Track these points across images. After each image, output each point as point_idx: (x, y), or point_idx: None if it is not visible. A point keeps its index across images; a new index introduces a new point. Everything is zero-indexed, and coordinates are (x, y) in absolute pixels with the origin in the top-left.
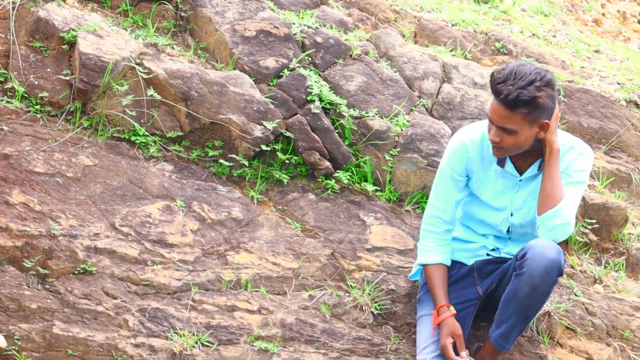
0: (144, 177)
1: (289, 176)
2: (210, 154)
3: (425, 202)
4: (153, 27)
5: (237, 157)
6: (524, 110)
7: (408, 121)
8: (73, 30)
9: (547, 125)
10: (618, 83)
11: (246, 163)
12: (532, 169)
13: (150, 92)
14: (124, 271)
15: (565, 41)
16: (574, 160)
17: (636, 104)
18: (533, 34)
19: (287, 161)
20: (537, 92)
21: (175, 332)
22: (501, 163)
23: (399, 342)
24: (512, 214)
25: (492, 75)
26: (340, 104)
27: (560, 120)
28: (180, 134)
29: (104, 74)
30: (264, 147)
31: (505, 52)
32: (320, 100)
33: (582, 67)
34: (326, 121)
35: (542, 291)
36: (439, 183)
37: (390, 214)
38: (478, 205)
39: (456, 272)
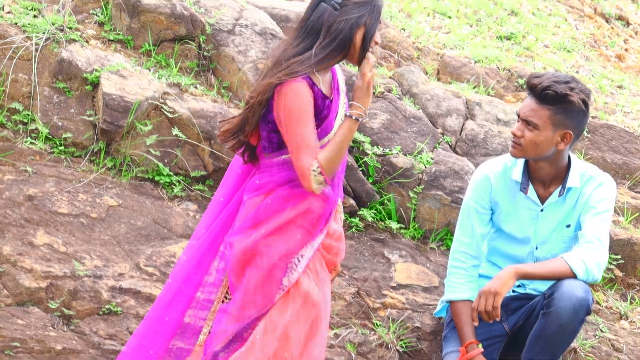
0: (168, 216)
1: None
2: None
3: (450, 239)
4: (176, 67)
5: None
6: (551, 107)
7: (432, 158)
8: (96, 70)
9: (570, 137)
10: None
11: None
12: (554, 196)
13: (174, 131)
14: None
15: (589, 77)
16: (595, 191)
17: None
18: (556, 70)
19: None
20: (569, 92)
21: None
22: (524, 189)
23: None
24: (536, 248)
25: (528, 75)
26: (364, 142)
27: (584, 155)
28: (204, 173)
29: (127, 114)
30: None
31: None
32: None
33: (606, 103)
34: (350, 159)
35: (570, 330)
36: (463, 218)
37: (414, 251)
38: (503, 240)
39: None
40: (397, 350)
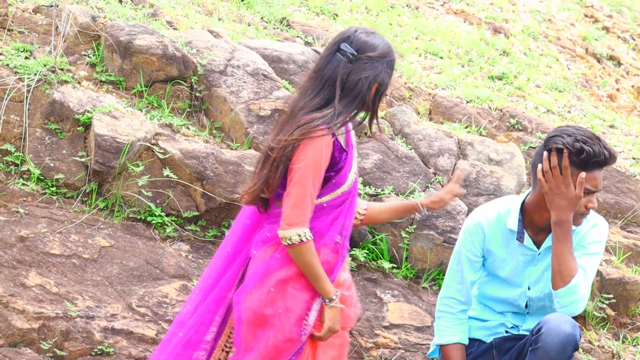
0: (161, 257)
1: None
2: (226, 234)
3: (442, 279)
4: (168, 108)
5: None
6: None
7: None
8: (88, 112)
9: None
10: (633, 158)
11: None
12: (548, 240)
13: (166, 172)
14: (142, 352)
15: (580, 116)
16: (589, 232)
17: None
18: (548, 110)
19: None
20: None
21: None
22: (520, 238)
23: None
24: (529, 288)
25: (589, 152)
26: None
27: None
28: (196, 213)
29: (119, 155)
30: None
31: (520, 128)
32: None
33: None
34: None
35: None
36: (453, 264)
37: (407, 290)
38: (495, 284)
39: (475, 350)
40: None
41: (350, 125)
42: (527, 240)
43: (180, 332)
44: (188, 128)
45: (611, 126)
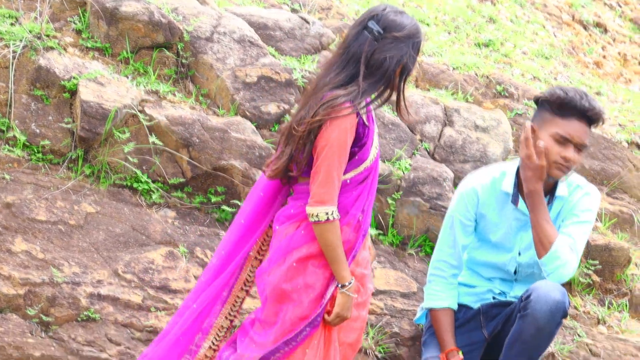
0: (147, 223)
1: None
2: (212, 200)
3: (428, 245)
4: (154, 74)
5: (239, 203)
6: (597, 124)
7: (410, 165)
8: (74, 78)
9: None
10: (620, 125)
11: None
12: None
13: (152, 139)
14: (128, 317)
15: (567, 83)
16: (580, 200)
17: (638, 146)
18: (534, 77)
19: None
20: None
21: None
22: (515, 201)
23: None
24: (519, 253)
25: (561, 96)
26: None
27: None
28: (182, 180)
29: (105, 122)
30: None
31: (507, 95)
32: None
33: None
34: None
35: (546, 333)
36: (446, 229)
37: (393, 257)
38: (486, 249)
39: (462, 316)
40: (376, 356)
41: (372, 104)
42: (522, 204)
43: (194, 303)
44: (174, 95)
45: (597, 93)
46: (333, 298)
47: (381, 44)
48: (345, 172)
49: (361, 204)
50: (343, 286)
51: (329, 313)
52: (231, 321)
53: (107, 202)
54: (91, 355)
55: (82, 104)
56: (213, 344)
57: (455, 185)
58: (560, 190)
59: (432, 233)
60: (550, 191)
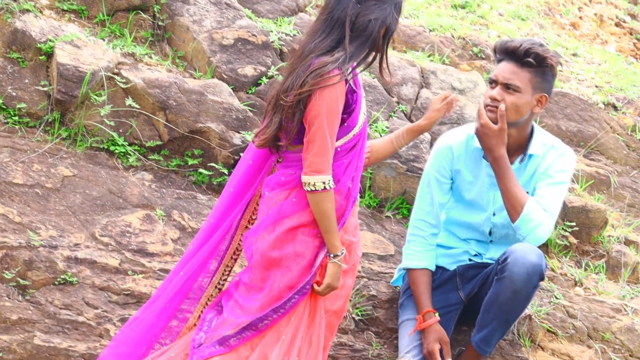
0: (124, 186)
1: None
2: (189, 163)
3: (405, 208)
4: (131, 37)
5: (216, 166)
6: (531, 70)
7: (387, 127)
8: (50, 41)
9: (546, 99)
10: (596, 86)
11: (226, 171)
12: (515, 164)
13: (129, 101)
14: (105, 281)
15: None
16: (555, 160)
17: (614, 107)
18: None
19: None
20: (547, 54)
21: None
22: (487, 157)
23: (381, 347)
24: (494, 214)
25: (498, 41)
26: None
27: (539, 123)
28: (159, 143)
29: (81, 85)
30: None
31: (483, 56)
32: None
33: (560, 71)
34: None
35: (523, 295)
36: (423, 187)
37: (370, 219)
38: (461, 208)
39: (438, 277)
40: (353, 318)
41: (357, 68)
42: None
43: (182, 271)
44: (151, 57)
45: (574, 54)
46: (321, 267)
47: (364, 6)
48: (336, 140)
49: (351, 171)
50: (335, 256)
51: (317, 283)
52: (220, 289)
53: (84, 165)
54: (68, 319)
55: (59, 67)
56: (202, 312)
57: (432, 147)
58: (534, 148)
59: (409, 195)
60: (522, 149)
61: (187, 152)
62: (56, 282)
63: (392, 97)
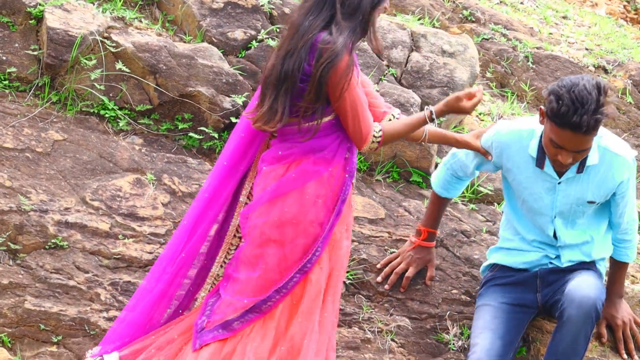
0: (114, 150)
1: None
2: (180, 127)
3: (396, 172)
4: (120, 1)
5: (207, 130)
6: (595, 132)
7: (377, 90)
8: (40, 5)
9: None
10: (586, 49)
11: (216, 135)
12: (571, 171)
13: (119, 66)
14: (95, 245)
15: (533, 8)
16: (617, 172)
17: (604, 70)
18: (501, 1)
19: None
20: (606, 110)
21: None
22: (540, 164)
23: (371, 311)
24: (555, 217)
25: (554, 108)
26: None
27: (529, 86)
28: (149, 107)
29: (72, 49)
30: (233, 120)
31: (473, 19)
32: None
33: (550, 34)
34: None
35: (583, 336)
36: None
37: (360, 183)
38: (522, 210)
39: (518, 276)
40: (344, 282)
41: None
42: (548, 166)
43: (183, 252)
44: (140, 21)
45: (564, 17)
46: (326, 244)
47: None
48: (330, 114)
49: (346, 143)
50: (431, 114)
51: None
52: (226, 269)
53: (74, 129)
54: (59, 283)
55: (49, 31)
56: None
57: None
58: (591, 159)
59: (399, 159)
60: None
61: (177, 116)
62: (47, 247)
63: (382, 60)
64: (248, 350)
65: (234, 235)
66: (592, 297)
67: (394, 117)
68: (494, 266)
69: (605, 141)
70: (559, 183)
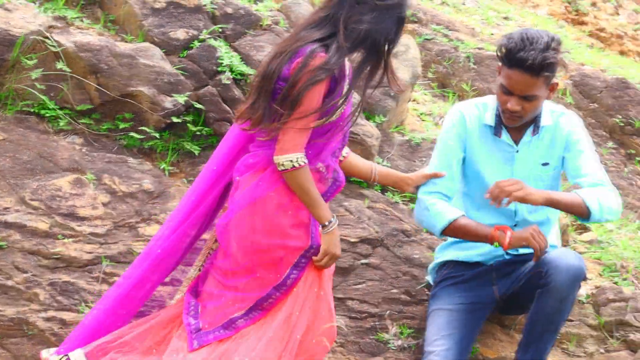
0: (54, 150)
1: (200, 147)
2: (120, 127)
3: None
4: (62, 0)
5: (147, 130)
6: (546, 74)
7: None
8: None
9: (557, 85)
10: None
11: (157, 135)
12: (527, 136)
13: (60, 65)
14: (34, 245)
15: (475, 8)
16: (572, 129)
17: None
18: (442, 2)
19: (198, 133)
20: (557, 54)
21: (86, 305)
22: (498, 133)
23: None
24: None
25: (504, 46)
26: (250, 75)
27: (471, 87)
28: (90, 107)
29: (12, 48)
30: (174, 119)
31: (415, 20)
32: (231, 71)
33: (492, 34)
34: (237, 92)
35: (570, 301)
36: (439, 155)
37: None
38: (482, 187)
39: (471, 271)
40: None
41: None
42: (505, 135)
43: (159, 249)
44: (82, 21)
45: (505, 18)
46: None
47: (360, 8)
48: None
49: (326, 152)
50: (324, 226)
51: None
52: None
53: (14, 128)
54: None
55: None
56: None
57: (364, 110)
58: (545, 120)
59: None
60: (532, 122)
61: (118, 116)
62: None
63: None
64: (247, 348)
65: (215, 240)
66: (577, 264)
67: (343, 157)
68: (445, 264)
69: (554, 106)
70: (517, 152)
